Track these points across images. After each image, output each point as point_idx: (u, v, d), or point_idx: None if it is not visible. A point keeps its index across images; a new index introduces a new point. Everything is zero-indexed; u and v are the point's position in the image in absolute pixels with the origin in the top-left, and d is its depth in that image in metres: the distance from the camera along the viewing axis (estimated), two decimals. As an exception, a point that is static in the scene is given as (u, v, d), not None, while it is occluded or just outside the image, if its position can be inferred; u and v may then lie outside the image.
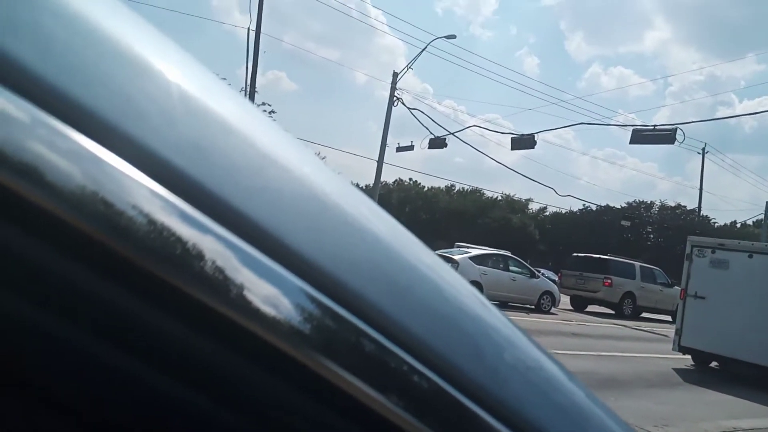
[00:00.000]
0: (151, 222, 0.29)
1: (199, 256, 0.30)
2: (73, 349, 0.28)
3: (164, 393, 0.30)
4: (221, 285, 0.30)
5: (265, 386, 0.32)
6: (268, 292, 0.31)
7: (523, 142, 20.22)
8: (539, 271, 16.13)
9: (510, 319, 0.45)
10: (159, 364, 0.30)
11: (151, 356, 0.30)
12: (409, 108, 21.14)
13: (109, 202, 0.28)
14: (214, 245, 0.30)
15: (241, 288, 0.30)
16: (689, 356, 9.39)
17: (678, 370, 8.81)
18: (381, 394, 0.33)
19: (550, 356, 0.46)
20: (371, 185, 25.21)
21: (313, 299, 0.33)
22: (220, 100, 0.37)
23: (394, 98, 21.41)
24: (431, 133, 21.78)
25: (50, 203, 0.27)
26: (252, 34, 15.97)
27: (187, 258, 0.29)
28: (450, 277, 0.42)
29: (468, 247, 15.04)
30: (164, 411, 0.31)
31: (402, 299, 0.37)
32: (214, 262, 0.30)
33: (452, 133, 22.03)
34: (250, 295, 0.30)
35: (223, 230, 0.31)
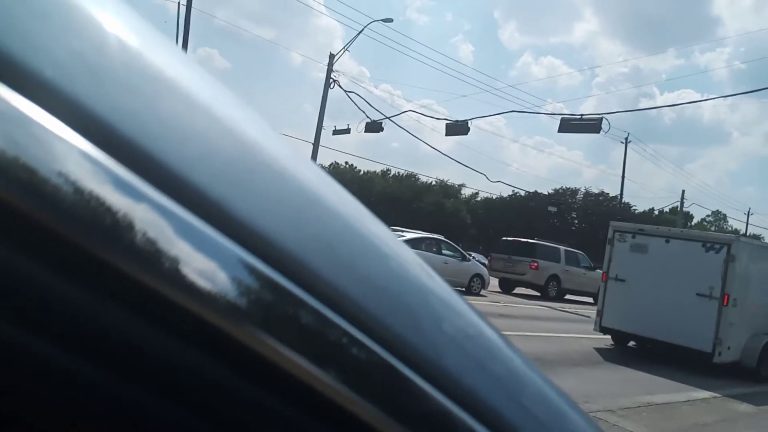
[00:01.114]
0: (79, 188, 0.26)
1: (130, 225, 0.27)
2: None
3: (86, 377, 0.28)
4: (153, 256, 0.28)
5: (202, 367, 0.30)
6: (205, 264, 0.29)
7: (457, 128, 20.53)
8: (470, 255, 16.50)
9: (452, 289, 0.45)
10: (82, 345, 0.28)
11: (71, 338, 0.28)
12: (345, 91, 21.03)
13: (30, 167, 0.25)
14: (148, 213, 0.28)
15: (176, 260, 0.29)
16: (609, 336, 9.87)
17: (599, 350, 9.25)
18: (319, 368, 0.32)
19: (490, 325, 0.46)
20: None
21: (252, 269, 0.31)
22: (159, 53, 0.35)
23: (331, 80, 21.22)
24: (368, 117, 21.75)
25: None
26: (183, 9, 15.41)
27: (117, 228, 0.27)
28: (396, 247, 0.41)
29: (402, 231, 15.18)
30: (85, 395, 0.28)
31: (344, 267, 0.36)
32: (145, 232, 0.28)
33: (388, 118, 22.09)
34: (185, 268, 0.29)
35: (160, 195, 0.29)
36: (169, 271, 0.28)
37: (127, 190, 0.28)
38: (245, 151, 0.36)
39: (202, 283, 0.29)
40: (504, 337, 0.46)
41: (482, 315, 0.46)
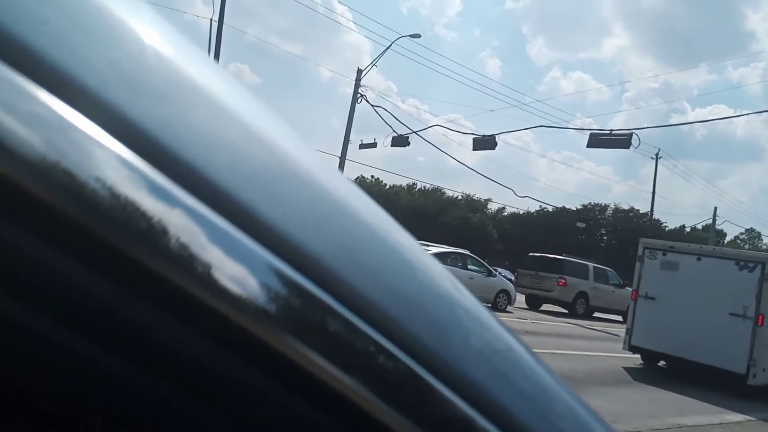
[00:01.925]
0: (116, 194, 0.27)
1: (165, 230, 0.28)
2: (16, 323, 0.27)
3: (121, 376, 0.29)
4: (188, 261, 0.29)
5: (233, 370, 0.31)
6: (237, 270, 0.30)
7: (484, 142, 20.45)
8: (496, 270, 16.35)
9: (480, 303, 0.45)
10: (117, 345, 0.29)
11: (108, 337, 0.28)
12: (372, 105, 21.16)
13: (70, 171, 0.26)
14: (183, 219, 0.29)
15: (209, 266, 0.29)
16: (639, 355, 9.66)
17: (628, 369, 9.06)
18: (346, 374, 0.32)
19: (519, 340, 0.46)
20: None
21: (281, 275, 0.32)
22: (193, 64, 0.36)
23: (358, 95, 21.38)
24: (394, 131, 21.85)
25: (5, 168, 0.25)
26: (215, 25, 15.72)
27: (153, 232, 0.28)
28: (424, 259, 0.42)
29: (428, 245, 15.14)
30: (118, 393, 0.29)
31: (374, 277, 0.36)
32: (179, 238, 0.29)
33: (415, 132, 22.15)
34: (217, 273, 0.29)
35: (194, 201, 0.30)
36: (202, 276, 0.29)
37: (161, 195, 0.29)
38: (275, 159, 0.37)
39: (233, 287, 0.30)
40: (532, 353, 0.46)
41: (510, 329, 0.46)
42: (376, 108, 21.02)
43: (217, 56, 15.81)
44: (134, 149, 0.29)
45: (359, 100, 21.43)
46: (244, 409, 0.32)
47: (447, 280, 0.42)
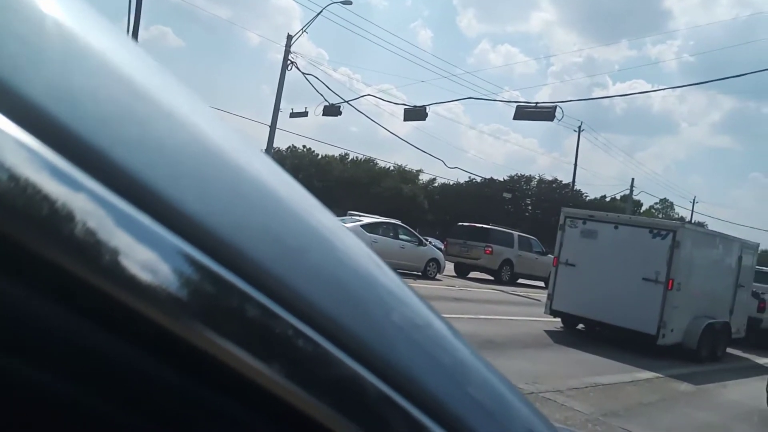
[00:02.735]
0: (14, 176, 0.25)
1: (69, 216, 0.26)
2: None
3: (18, 375, 0.26)
4: (93, 250, 0.27)
5: (140, 363, 0.29)
6: (145, 256, 0.28)
7: (415, 113, 20.54)
8: (427, 240, 16.62)
9: (401, 279, 0.45)
10: (13, 340, 0.26)
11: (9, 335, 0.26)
12: (303, 73, 20.75)
13: None
14: (87, 204, 0.27)
15: (115, 253, 0.27)
16: (559, 319, 10.14)
17: (549, 332, 9.50)
18: (264, 364, 0.31)
19: (438, 316, 0.46)
20: (263, 151, 24.58)
21: (193, 261, 0.30)
22: (99, 36, 0.33)
23: (288, 62, 20.89)
24: (326, 100, 21.58)
25: None
26: (134, -17, 14.85)
27: (55, 219, 0.26)
28: (344, 237, 0.41)
29: (360, 216, 15.19)
30: (15, 394, 0.27)
31: (292, 259, 0.35)
32: (85, 224, 0.27)
33: (347, 102, 21.96)
34: (125, 261, 0.27)
35: (98, 186, 0.28)
36: (108, 264, 0.27)
37: (64, 180, 0.27)
38: (187, 137, 0.34)
39: (142, 275, 0.28)
40: (451, 326, 0.47)
41: (430, 305, 0.46)
42: (307, 76, 20.67)
43: (137, 18, 14.99)
44: (32, 131, 0.27)
45: (289, 68, 20.96)
46: (154, 404, 0.30)
47: (368, 258, 0.42)
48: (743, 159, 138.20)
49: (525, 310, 11.51)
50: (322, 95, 21.96)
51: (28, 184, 0.25)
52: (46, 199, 0.26)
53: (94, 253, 0.27)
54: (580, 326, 10.13)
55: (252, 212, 0.35)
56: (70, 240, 0.26)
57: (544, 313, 10.12)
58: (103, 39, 0.33)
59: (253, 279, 0.32)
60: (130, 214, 0.28)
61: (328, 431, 0.34)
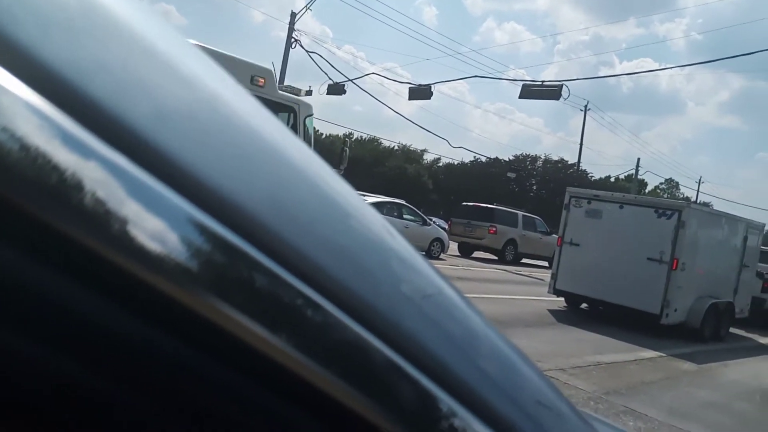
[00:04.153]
0: (25, 144, 0.24)
1: (79, 185, 0.25)
2: None
3: (22, 351, 0.26)
4: (104, 218, 0.26)
5: (150, 337, 0.28)
6: (155, 225, 0.27)
7: (420, 92, 20.38)
8: (431, 219, 16.62)
9: (413, 248, 0.44)
10: (21, 313, 0.26)
11: (8, 306, 0.25)
12: (307, 51, 20.56)
13: None
14: (99, 172, 0.26)
15: (126, 222, 0.26)
16: (563, 298, 10.16)
17: (552, 311, 9.54)
18: (271, 332, 0.30)
19: (450, 284, 0.45)
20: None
21: (204, 229, 0.29)
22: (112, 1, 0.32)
23: (292, 40, 20.72)
24: (330, 79, 21.37)
25: None
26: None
27: (64, 188, 0.25)
28: (357, 204, 0.40)
29: (364, 195, 15.17)
30: (24, 370, 0.26)
31: (303, 225, 0.34)
32: (94, 193, 0.26)
33: (351, 80, 21.77)
34: (134, 230, 0.27)
35: (111, 152, 0.27)
36: (120, 233, 0.26)
37: (76, 146, 0.26)
38: (201, 102, 0.34)
39: (154, 245, 0.27)
40: (464, 296, 0.46)
41: (442, 273, 0.46)
42: (311, 54, 20.48)
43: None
44: (45, 94, 0.26)
45: (293, 46, 20.79)
46: (161, 378, 0.29)
47: (380, 226, 0.41)
48: (750, 139, 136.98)
49: (528, 290, 11.53)
50: (326, 74, 21.80)
51: (38, 150, 0.25)
52: (52, 162, 0.25)
53: (100, 218, 0.26)
54: (584, 306, 10.15)
55: (264, 178, 0.34)
56: (77, 206, 0.26)
57: (548, 292, 10.14)
58: (116, 1, 0.33)
59: (264, 246, 0.31)
60: (136, 176, 0.27)
61: (333, 400, 0.33)
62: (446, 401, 0.38)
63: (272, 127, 0.38)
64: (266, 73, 8.45)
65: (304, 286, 0.32)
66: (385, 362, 0.36)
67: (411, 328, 0.38)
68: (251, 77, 8.10)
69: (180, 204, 0.29)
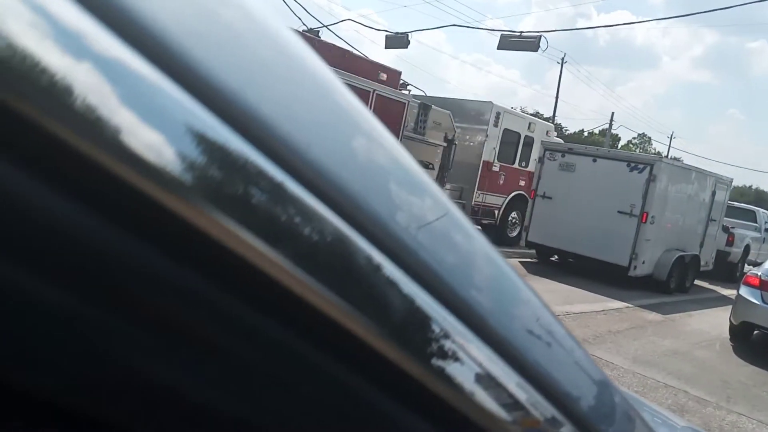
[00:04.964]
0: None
1: (70, 88, 0.22)
2: None
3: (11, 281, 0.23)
4: (95, 125, 0.22)
5: (146, 255, 0.25)
6: (155, 124, 0.24)
7: (397, 40, 19.98)
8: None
9: (420, 168, 0.42)
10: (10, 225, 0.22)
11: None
12: (280, -5, 19.94)
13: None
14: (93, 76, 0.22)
15: (119, 128, 0.23)
16: (534, 251, 10.32)
17: (524, 263, 9.70)
18: (274, 250, 0.27)
19: (454, 206, 0.43)
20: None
21: (208, 129, 0.26)
22: None
23: (264, -17, 20.02)
24: (304, 24, 20.77)
25: None
26: None
27: (55, 90, 0.22)
28: (370, 119, 0.38)
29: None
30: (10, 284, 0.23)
31: (317, 137, 0.32)
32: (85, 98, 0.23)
33: (326, 26, 21.21)
34: (130, 137, 0.24)
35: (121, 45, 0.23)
36: (112, 139, 0.23)
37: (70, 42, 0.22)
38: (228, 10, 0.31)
39: (148, 148, 0.24)
40: (467, 218, 0.44)
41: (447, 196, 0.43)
42: (284, -2, 19.85)
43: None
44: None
45: (266, -11, 20.12)
46: (155, 296, 0.26)
47: (391, 144, 0.39)
48: (722, 95, 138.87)
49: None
50: (300, 18, 21.14)
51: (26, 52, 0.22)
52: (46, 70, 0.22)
53: (98, 128, 0.23)
54: (554, 258, 10.33)
55: (282, 84, 0.32)
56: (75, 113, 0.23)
57: (520, 243, 10.27)
58: None
59: (271, 152, 0.28)
60: (141, 70, 0.24)
61: (326, 316, 0.30)
62: (449, 320, 0.36)
63: (286, 36, 0.35)
64: None
65: (314, 199, 0.30)
66: (390, 281, 0.33)
67: (422, 249, 0.35)
68: None
69: (196, 108, 0.26)
